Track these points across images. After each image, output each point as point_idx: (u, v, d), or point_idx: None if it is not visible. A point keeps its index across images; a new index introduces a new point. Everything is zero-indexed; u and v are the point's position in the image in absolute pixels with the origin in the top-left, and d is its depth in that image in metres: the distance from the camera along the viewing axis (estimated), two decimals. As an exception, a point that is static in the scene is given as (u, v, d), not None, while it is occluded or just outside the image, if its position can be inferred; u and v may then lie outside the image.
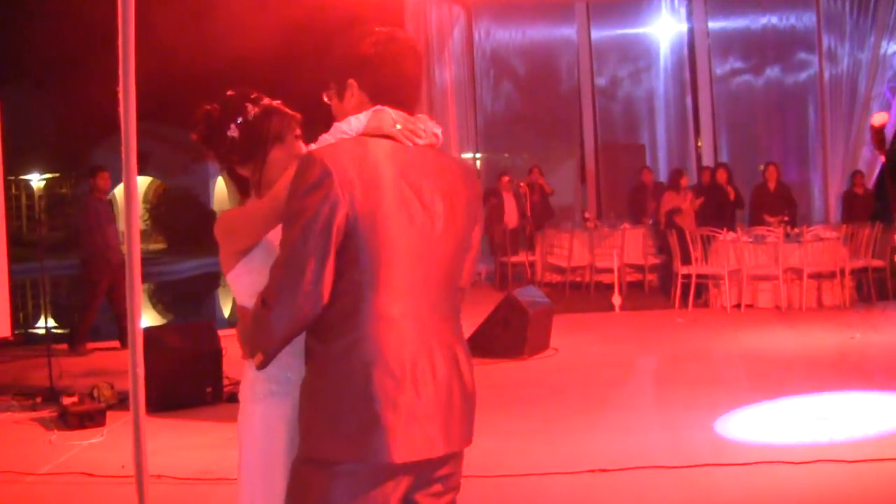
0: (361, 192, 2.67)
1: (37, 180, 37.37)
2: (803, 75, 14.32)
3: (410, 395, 2.65)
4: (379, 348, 2.68)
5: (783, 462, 5.55)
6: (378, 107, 2.85)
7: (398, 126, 2.80)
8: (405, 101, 2.86)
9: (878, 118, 5.86)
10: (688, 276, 11.21)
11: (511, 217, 13.34)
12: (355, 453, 2.66)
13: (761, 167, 12.44)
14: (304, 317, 2.70)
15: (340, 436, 2.68)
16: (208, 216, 27.97)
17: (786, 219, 11.59)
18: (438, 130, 2.88)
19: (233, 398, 9.06)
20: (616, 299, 11.44)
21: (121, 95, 3.07)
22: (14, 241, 9.30)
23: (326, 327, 2.72)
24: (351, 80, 2.91)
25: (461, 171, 2.87)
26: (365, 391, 2.64)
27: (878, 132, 6.06)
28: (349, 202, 2.65)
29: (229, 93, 3.18)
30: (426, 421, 2.68)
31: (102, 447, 6.72)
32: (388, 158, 2.74)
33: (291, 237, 2.68)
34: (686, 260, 11.17)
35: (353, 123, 2.86)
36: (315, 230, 2.66)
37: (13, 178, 33.40)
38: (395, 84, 2.87)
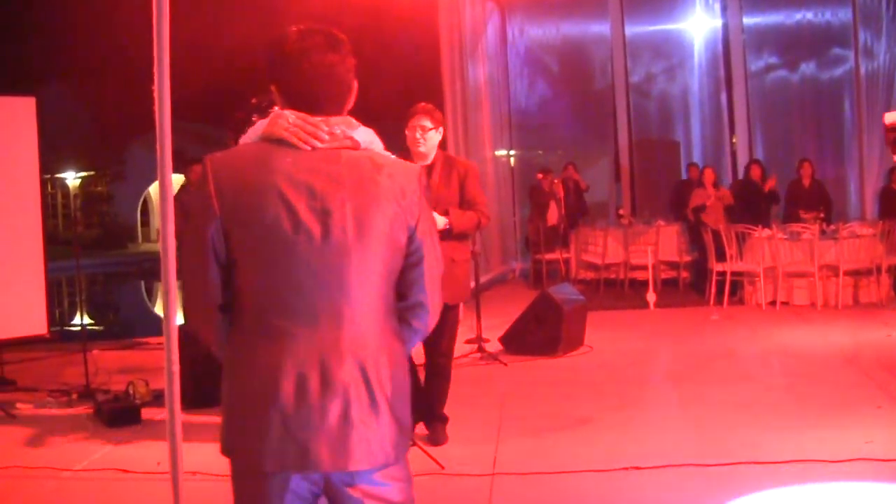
0: (235, 202, 2.67)
1: (72, 179, 37.59)
2: (839, 71, 14.22)
3: (290, 408, 2.62)
4: (265, 359, 2.67)
5: (819, 461, 5.51)
6: (277, 111, 2.81)
7: (288, 130, 2.72)
8: (318, 100, 2.77)
9: (889, 116, 5.81)
10: (722, 274, 11.17)
11: (552, 214, 13.30)
12: (236, 455, 2.74)
13: (797, 163, 12.35)
14: (198, 308, 2.81)
15: (230, 435, 2.74)
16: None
17: (821, 215, 11.53)
18: (356, 133, 2.76)
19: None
20: (651, 296, 11.40)
21: (156, 94, 3.07)
22: (50, 239, 9.35)
23: (231, 332, 2.77)
24: (272, 86, 2.87)
25: (384, 171, 2.73)
26: (251, 398, 2.66)
27: (892, 131, 5.98)
28: (221, 212, 2.66)
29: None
30: (304, 435, 2.63)
31: (138, 444, 6.75)
32: (274, 164, 2.68)
33: (185, 234, 2.79)
34: (721, 257, 11.13)
35: (256, 129, 2.82)
36: (196, 231, 2.71)
37: (49, 176, 33.62)
38: (302, 85, 2.79)
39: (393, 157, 2.84)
